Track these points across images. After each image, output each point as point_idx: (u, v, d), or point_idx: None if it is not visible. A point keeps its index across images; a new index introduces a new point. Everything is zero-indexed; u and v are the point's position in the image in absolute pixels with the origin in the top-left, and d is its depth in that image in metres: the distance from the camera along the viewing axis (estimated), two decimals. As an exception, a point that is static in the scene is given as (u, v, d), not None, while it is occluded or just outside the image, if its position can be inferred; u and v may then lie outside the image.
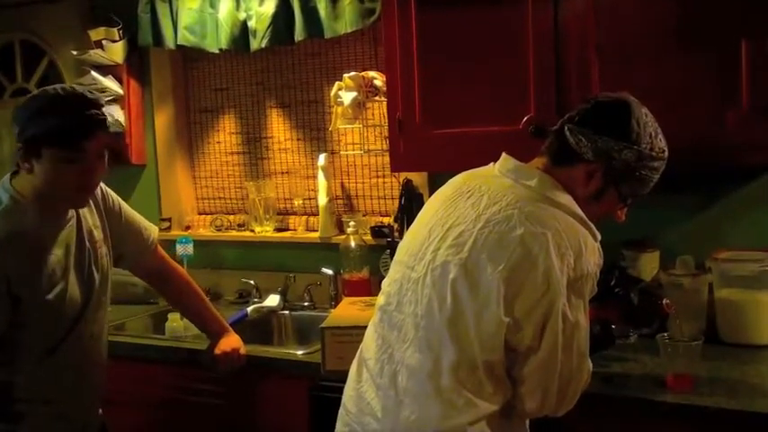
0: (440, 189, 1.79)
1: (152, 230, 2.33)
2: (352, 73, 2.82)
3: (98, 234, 2.12)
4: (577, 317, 1.57)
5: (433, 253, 1.62)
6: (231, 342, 2.40)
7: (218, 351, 2.38)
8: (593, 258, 1.58)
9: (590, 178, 1.66)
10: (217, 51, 3.08)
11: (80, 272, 2.05)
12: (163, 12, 3.13)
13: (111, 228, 2.18)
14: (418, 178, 2.84)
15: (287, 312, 3.03)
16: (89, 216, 2.11)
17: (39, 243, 1.97)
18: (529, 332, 1.54)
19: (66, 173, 1.90)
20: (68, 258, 2.02)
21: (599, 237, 1.63)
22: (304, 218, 3.23)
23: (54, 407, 2.04)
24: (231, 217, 3.40)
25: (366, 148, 2.98)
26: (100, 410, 2.23)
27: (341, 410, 1.75)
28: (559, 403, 1.62)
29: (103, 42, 3.27)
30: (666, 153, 1.69)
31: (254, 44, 2.98)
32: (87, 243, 2.08)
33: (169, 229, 3.40)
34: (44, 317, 1.98)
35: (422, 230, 1.69)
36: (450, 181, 1.77)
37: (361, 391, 1.68)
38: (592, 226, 1.62)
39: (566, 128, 1.68)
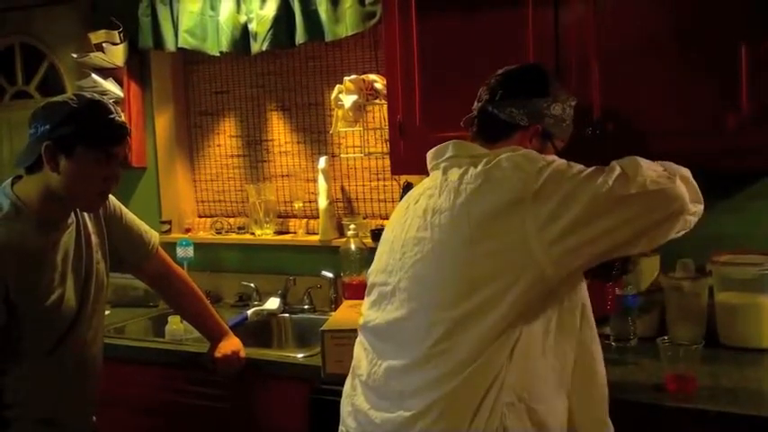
0: (395, 209, 1.83)
1: (152, 235, 2.35)
2: (353, 76, 2.82)
3: (95, 240, 2.13)
4: (574, 166, 1.58)
5: (401, 261, 1.65)
6: (231, 345, 2.41)
7: (218, 354, 2.39)
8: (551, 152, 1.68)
9: (529, 142, 1.74)
10: (217, 54, 3.08)
11: (77, 278, 2.05)
12: (163, 14, 3.13)
13: (112, 233, 2.19)
14: (419, 181, 2.82)
15: (287, 315, 3.03)
16: (89, 222, 2.11)
17: (39, 250, 1.97)
18: (554, 207, 1.51)
19: (93, 174, 1.94)
20: (66, 264, 2.02)
21: None
22: (304, 221, 3.23)
23: (43, 413, 2.03)
24: (231, 220, 3.40)
25: (366, 150, 2.99)
26: (93, 417, 2.21)
27: (341, 428, 1.74)
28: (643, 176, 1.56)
29: (104, 45, 3.27)
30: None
31: (255, 47, 2.99)
32: (85, 249, 2.08)
33: (169, 231, 3.41)
34: (39, 323, 1.97)
35: (386, 249, 1.74)
36: (404, 196, 1.83)
37: (356, 403, 1.69)
38: None
39: (489, 108, 1.76)
